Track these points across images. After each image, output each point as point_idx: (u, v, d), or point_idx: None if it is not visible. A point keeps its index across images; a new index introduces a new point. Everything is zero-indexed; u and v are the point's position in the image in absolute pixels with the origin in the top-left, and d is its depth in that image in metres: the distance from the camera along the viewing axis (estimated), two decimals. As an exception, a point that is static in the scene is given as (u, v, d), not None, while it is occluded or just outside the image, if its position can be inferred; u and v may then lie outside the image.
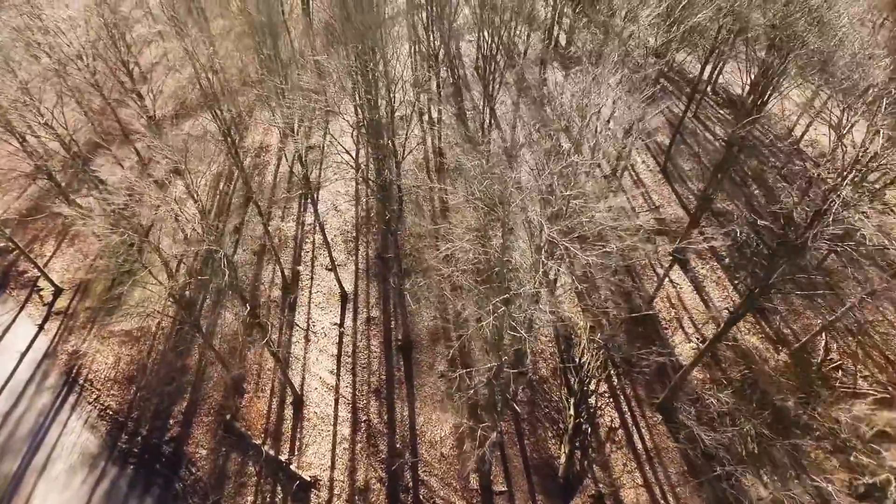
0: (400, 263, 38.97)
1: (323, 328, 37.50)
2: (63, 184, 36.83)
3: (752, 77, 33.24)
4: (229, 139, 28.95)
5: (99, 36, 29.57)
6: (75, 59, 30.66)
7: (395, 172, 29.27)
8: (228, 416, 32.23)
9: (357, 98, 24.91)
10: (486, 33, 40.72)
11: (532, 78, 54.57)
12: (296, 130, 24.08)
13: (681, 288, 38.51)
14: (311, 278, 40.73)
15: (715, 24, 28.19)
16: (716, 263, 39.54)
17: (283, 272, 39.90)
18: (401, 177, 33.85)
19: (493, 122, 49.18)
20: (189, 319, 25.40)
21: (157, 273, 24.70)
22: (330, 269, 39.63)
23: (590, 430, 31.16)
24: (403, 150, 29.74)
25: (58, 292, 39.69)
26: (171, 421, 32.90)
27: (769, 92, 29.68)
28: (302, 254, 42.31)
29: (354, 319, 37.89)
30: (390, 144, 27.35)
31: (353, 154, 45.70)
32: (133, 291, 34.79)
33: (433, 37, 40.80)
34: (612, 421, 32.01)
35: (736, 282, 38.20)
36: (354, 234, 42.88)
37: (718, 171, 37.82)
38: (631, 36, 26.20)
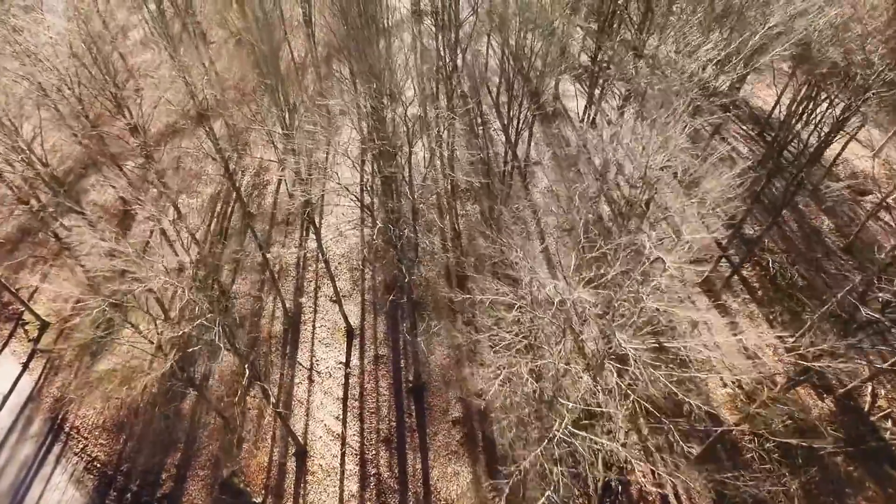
0: (412, 307, 36.23)
1: (328, 367, 34.93)
2: (50, 209, 34.35)
3: (797, 101, 30.56)
4: (227, 173, 26.37)
5: (83, 62, 26.87)
6: (59, 84, 28.01)
7: (411, 226, 26.59)
8: (226, 474, 29.66)
9: (370, 139, 22.35)
10: (501, 44, 37.73)
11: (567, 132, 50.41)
12: (304, 176, 21.61)
13: (711, 323, 35.91)
14: (315, 311, 38.14)
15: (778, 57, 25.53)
16: (748, 296, 36.95)
17: (283, 304, 37.33)
18: (418, 234, 30.96)
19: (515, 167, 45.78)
20: (182, 379, 22.80)
21: (145, 326, 22.05)
22: (334, 301, 37.06)
23: (620, 488, 28.60)
24: (420, 203, 27.00)
25: (44, 326, 37.09)
26: (164, 475, 30.28)
27: (830, 129, 26.80)
28: (304, 283, 39.75)
29: (361, 358, 35.32)
30: (408, 193, 24.69)
31: (362, 189, 43.32)
32: (121, 334, 32.29)
33: (446, 59, 38.01)
34: (643, 477, 29.43)
35: (771, 317, 35.62)
36: (361, 263, 40.32)
37: (752, 199, 35.21)
38: (692, 76, 23.43)
